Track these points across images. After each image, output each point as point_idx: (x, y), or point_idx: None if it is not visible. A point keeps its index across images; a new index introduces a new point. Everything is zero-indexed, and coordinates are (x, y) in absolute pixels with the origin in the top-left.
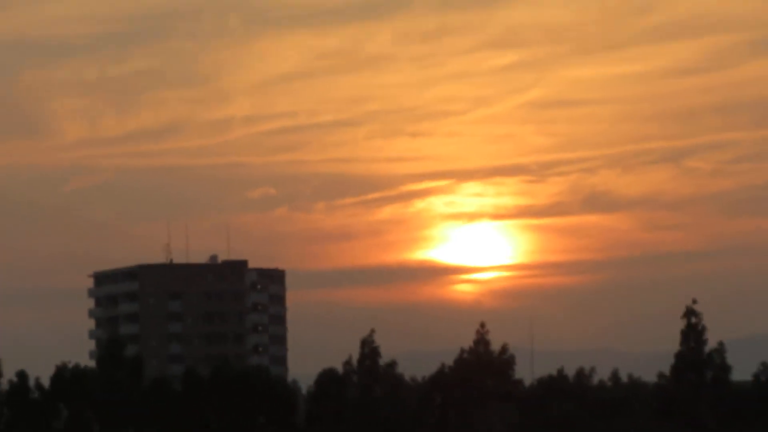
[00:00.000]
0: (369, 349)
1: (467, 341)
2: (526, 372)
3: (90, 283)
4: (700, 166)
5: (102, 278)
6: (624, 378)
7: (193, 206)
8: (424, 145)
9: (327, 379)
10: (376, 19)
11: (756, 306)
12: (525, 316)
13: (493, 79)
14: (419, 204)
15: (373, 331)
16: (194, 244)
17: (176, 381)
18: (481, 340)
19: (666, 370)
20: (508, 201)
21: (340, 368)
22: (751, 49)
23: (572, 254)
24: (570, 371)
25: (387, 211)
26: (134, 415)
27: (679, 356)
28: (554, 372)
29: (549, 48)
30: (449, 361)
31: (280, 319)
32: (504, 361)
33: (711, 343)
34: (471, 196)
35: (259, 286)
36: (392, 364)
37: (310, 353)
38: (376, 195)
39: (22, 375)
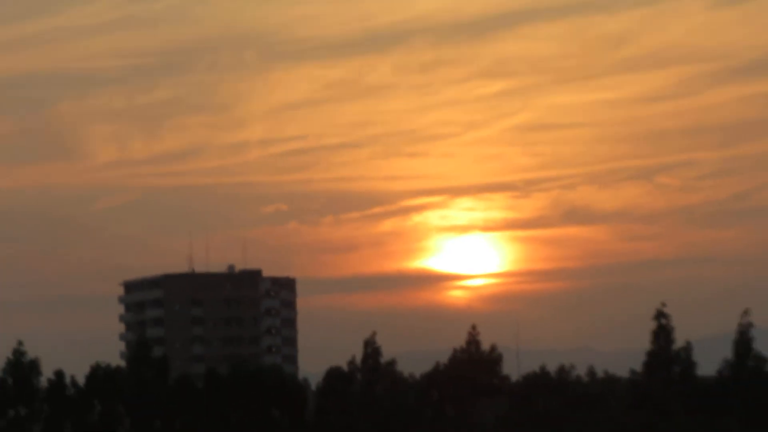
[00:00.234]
0: (371, 349)
1: (460, 342)
2: (513, 369)
3: (120, 291)
4: (669, 182)
5: (131, 287)
6: (600, 374)
7: (213, 221)
8: (420, 165)
9: (334, 376)
10: (377, 52)
11: (719, 308)
12: (512, 319)
13: (482, 106)
14: (416, 218)
15: (374, 333)
16: (213, 256)
17: (198, 379)
18: (473, 341)
19: (638, 366)
20: (497, 215)
21: (345, 367)
22: (713, 78)
23: (554, 263)
24: (552, 368)
25: (387, 225)
26: (161, 410)
27: (650, 354)
28: (538, 369)
29: (532, 77)
30: (444, 359)
31: (291, 323)
32: (493, 360)
33: (679, 342)
34: (463, 210)
35: (272, 293)
36: (392, 363)
37: (318, 353)
38: (378, 210)
39: (59, 374)
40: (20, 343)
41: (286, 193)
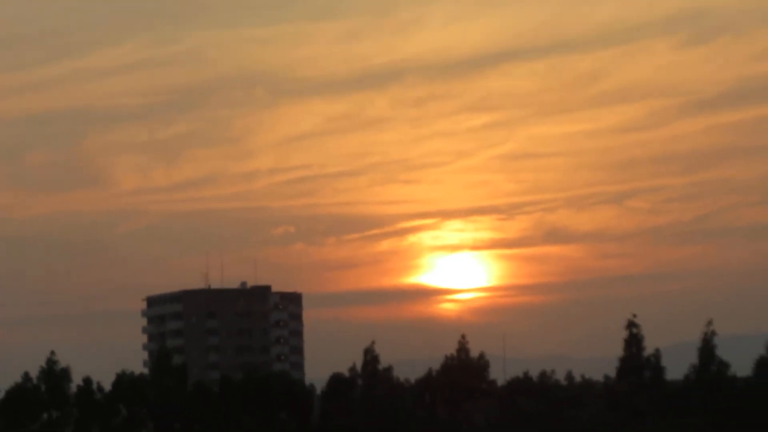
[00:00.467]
0: (370, 357)
1: (451, 350)
2: (500, 374)
3: (143, 305)
4: (639, 205)
5: (152, 301)
6: (578, 378)
7: (226, 242)
8: (414, 191)
9: (336, 381)
10: (375, 89)
11: (685, 319)
12: (498, 329)
13: (470, 137)
14: (411, 238)
15: (373, 342)
16: (227, 273)
17: (214, 385)
18: (463, 349)
19: (612, 372)
20: (484, 235)
21: (347, 373)
22: (679, 112)
23: (536, 278)
24: (534, 374)
25: (385, 244)
26: (180, 413)
27: (623, 360)
28: (522, 374)
29: (516, 111)
30: (436, 366)
31: (298, 334)
32: (481, 366)
33: (648, 350)
34: (453, 231)
35: (280, 307)
36: (389, 369)
37: (322, 361)
38: (376, 231)
39: (87, 381)
40: (53, 353)
41: (292, 217)
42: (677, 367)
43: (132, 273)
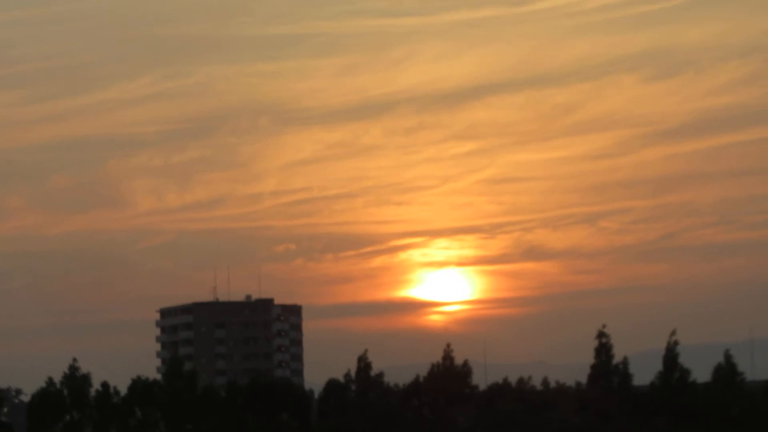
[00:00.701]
0: (363, 363)
1: (437, 357)
2: (481, 380)
3: (157, 316)
4: (608, 225)
5: (166, 313)
6: (553, 383)
7: (233, 258)
8: (405, 212)
9: (332, 386)
10: (370, 119)
11: (651, 329)
12: (480, 338)
13: (456, 163)
14: (402, 255)
15: (366, 350)
16: (234, 287)
17: (222, 389)
18: (448, 356)
19: (583, 378)
20: (468, 252)
21: (342, 378)
22: (645, 140)
23: (515, 292)
24: (513, 379)
25: (378, 261)
26: (191, 415)
27: (594, 367)
28: (501, 380)
29: (497, 139)
30: (423, 372)
31: (298, 342)
32: (464, 372)
33: (617, 357)
34: (440, 249)
35: (282, 318)
36: (381, 375)
37: (320, 367)
38: (370, 249)
39: (105, 385)
40: (75, 359)
41: (294, 235)
42: (643, 374)
43: (147, 286)
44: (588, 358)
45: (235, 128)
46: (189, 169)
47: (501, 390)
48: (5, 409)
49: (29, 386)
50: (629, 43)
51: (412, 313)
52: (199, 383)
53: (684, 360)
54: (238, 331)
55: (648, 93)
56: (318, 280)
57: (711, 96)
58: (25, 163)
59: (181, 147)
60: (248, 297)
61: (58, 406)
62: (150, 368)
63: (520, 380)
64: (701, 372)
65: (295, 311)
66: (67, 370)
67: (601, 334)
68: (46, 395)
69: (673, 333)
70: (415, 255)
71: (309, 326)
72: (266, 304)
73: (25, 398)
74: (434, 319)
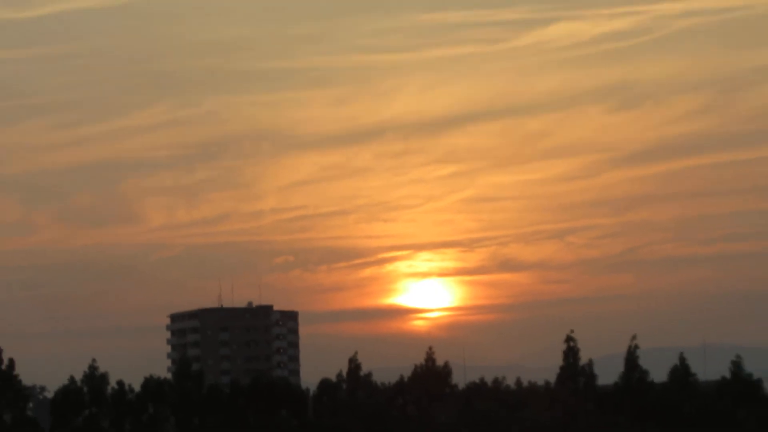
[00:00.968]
0: (354, 364)
1: (420, 359)
2: (461, 380)
3: (167, 321)
4: (576, 241)
5: (175, 318)
6: (525, 383)
7: (237, 269)
8: (393, 228)
9: (326, 385)
10: (361, 144)
11: (614, 334)
12: (460, 342)
13: (438, 184)
14: (389, 267)
15: (356, 352)
16: (237, 295)
17: (226, 388)
18: (430, 358)
19: (553, 378)
20: (449, 264)
21: (334, 378)
22: (609, 164)
23: (492, 300)
24: (489, 379)
25: (368, 272)
26: (198, 411)
27: (562, 369)
28: (478, 380)
29: (476, 163)
30: (408, 373)
31: (295, 345)
32: (445, 372)
33: (583, 360)
34: (424, 261)
35: (280, 323)
36: (369, 375)
37: (315, 368)
38: (360, 261)
39: (121, 384)
40: (94, 360)
41: (292, 249)
42: (607, 375)
43: (158, 294)
44: (558, 360)
45: (239, 152)
46: (197, 188)
47: (478, 389)
48: (31, 405)
49: (53, 384)
50: (595, 78)
51: (398, 318)
52: (206, 382)
53: (643, 362)
54: (241, 335)
55: (612, 122)
56: (313, 289)
57: (668, 125)
58: (50, 183)
59: (190, 169)
60: (250, 304)
61: (78, 402)
62: (161, 368)
63: (495, 380)
64: (659, 373)
65: (292, 317)
66: (86, 370)
67: (569, 339)
68: (68, 392)
69: (634, 338)
70: (401, 266)
71: (305, 330)
72: (266, 310)
73: (49, 395)
74: (418, 324)
